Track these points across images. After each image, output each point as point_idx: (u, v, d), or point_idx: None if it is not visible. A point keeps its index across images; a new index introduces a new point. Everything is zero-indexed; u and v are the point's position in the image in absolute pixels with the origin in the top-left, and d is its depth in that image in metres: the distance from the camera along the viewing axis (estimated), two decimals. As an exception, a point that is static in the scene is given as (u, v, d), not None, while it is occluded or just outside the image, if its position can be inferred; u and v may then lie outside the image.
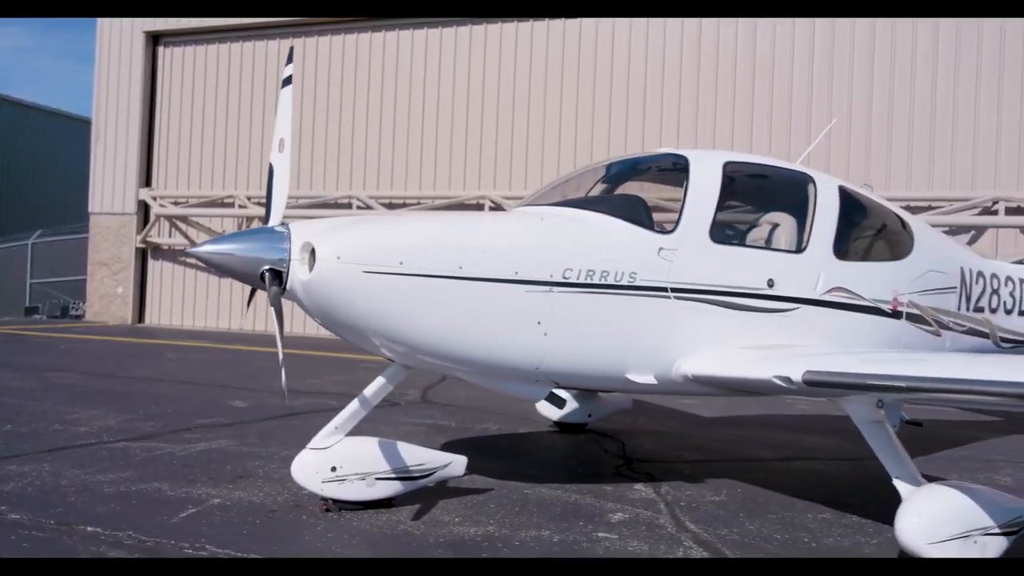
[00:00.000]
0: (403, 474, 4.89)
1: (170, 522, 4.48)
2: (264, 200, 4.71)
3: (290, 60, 4.84)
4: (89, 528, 4.34)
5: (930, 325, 6.05)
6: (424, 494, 5.07)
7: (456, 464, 5.11)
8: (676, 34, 16.01)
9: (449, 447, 5.63)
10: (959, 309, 6.41)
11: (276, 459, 5.95)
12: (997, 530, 4.12)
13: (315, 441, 4.81)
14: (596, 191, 5.78)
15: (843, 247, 5.54)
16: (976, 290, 6.60)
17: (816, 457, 6.99)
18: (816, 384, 4.24)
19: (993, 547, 4.12)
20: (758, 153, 13.41)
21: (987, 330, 6.70)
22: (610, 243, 4.81)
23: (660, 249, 4.89)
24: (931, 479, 4.49)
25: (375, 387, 4.95)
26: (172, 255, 19.58)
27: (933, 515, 4.06)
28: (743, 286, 5.09)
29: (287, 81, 4.81)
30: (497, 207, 16.34)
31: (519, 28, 17.02)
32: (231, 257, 4.41)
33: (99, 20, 20.06)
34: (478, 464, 5.85)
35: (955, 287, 6.36)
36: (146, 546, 4.10)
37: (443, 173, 17.51)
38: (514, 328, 4.57)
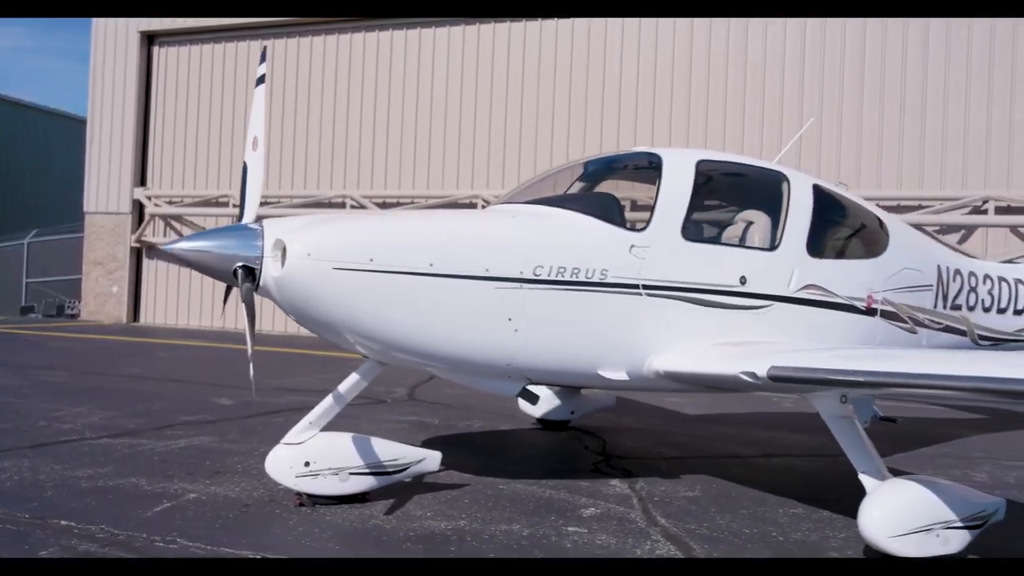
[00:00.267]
0: (377, 469, 4.93)
1: (144, 516, 4.52)
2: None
3: (263, 60, 4.89)
4: (63, 522, 4.38)
5: (905, 323, 6.09)
6: (399, 489, 5.12)
7: (431, 459, 5.15)
8: (668, 34, 16.06)
9: (430, 444, 5.66)
10: (936, 307, 6.45)
11: (256, 455, 5.98)
12: (960, 524, 4.16)
13: (289, 436, 4.87)
14: (573, 189, 5.82)
15: (817, 245, 5.57)
16: (953, 288, 6.64)
17: (796, 454, 7.03)
18: (781, 379, 4.28)
19: (956, 541, 4.16)
20: (750, 152, 13.51)
21: (965, 328, 6.74)
22: (581, 240, 4.85)
23: (632, 246, 4.93)
24: (898, 474, 4.54)
25: (349, 383, 5.01)
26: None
27: (896, 509, 4.10)
28: (715, 283, 5.13)
29: (260, 80, 4.86)
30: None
31: (512, 28, 17.08)
32: (206, 254, 4.48)
33: (94, 20, 20.12)
34: (458, 460, 5.91)
35: (931, 285, 6.39)
36: (118, 539, 4.14)
37: (436, 172, 17.56)
38: (485, 325, 4.61)
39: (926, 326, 6.31)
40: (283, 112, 18.61)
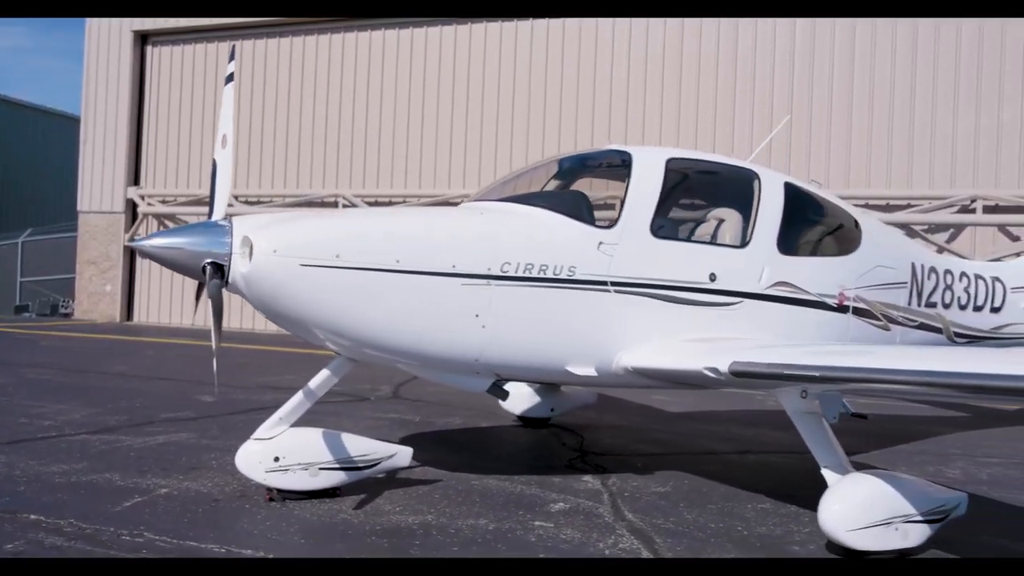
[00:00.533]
0: (347, 464, 4.97)
1: (113, 511, 4.56)
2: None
3: (232, 58, 4.92)
4: (32, 516, 4.42)
5: (879, 320, 6.12)
6: (371, 484, 5.15)
7: (401, 455, 5.18)
8: (659, 34, 16.10)
9: (409, 441, 5.70)
10: (910, 304, 6.48)
11: (233, 451, 5.92)
12: (919, 518, 4.20)
13: (259, 431, 4.91)
14: (548, 187, 5.86)
15: (788, 242, 5.60)
16: (928, 286, 6.67)
17: (773, 451, 7.06)
18: (742, 375, 4.31)
19: (915, 535, 4.20)
20: (740, 151, 13.52)
21: (940, 325, 6.77)
22: (549, 238, 4.88)
23: (600, 243, 4.96)
24: (864, 469, 4.57)
25: (320, 379, 5.04)
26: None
27: (855, 502, 4.14)
28: (684, 280, 5.16)
29: (229, 78, 4.90)
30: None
31: (503, 28, 17.12)
32: (176, 251, 4.51)
33: (88, 20, 20.17)
34: (434, 457, 5.94)
35: (905, 283, 6.42)
36: (85, 533, 4.18)
37: (428, 171, 17.61)
38: (452, 321, 4.65)
39: (900, 323, 6.34)
40: (276, 112, 18.67)
